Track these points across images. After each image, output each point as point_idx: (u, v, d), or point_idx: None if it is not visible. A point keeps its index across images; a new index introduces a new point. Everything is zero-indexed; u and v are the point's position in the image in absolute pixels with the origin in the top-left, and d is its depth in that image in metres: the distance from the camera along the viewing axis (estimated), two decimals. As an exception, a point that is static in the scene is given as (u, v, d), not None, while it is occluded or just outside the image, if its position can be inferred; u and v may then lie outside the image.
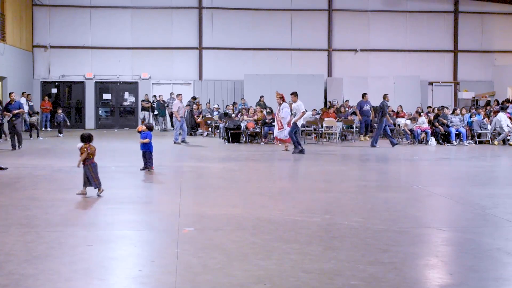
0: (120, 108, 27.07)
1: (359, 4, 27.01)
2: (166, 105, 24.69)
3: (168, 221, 6.68)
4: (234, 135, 18.67)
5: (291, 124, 15.28)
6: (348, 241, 5.74)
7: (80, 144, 8.27)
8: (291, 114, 15.90)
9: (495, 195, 8.60)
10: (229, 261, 5.01)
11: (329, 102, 24.22)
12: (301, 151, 15.03)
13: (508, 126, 18.67)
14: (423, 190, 9.14)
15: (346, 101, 23.42)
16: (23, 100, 23.22)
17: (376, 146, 17.04)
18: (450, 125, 18.77)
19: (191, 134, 20.82)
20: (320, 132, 19.27)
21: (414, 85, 26.05)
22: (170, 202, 7.84)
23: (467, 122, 19.48)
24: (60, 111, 22.26)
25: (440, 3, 27.61)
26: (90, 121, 26.35)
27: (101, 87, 26.66)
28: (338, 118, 20.23)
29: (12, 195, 8.39)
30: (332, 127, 19.46)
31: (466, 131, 18.99)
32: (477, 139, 19.15)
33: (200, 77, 26.48)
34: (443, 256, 5.35)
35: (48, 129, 24.28)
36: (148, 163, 11.04)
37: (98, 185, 8.18)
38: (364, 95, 20.48)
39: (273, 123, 17.30)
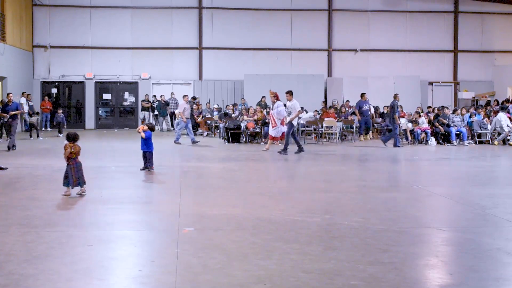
0: (120, 108, 27.07)
1: (359, 4, 27.01)
2: (167, 105, 24.72)
3: (168, 221, 6.68)
4: (234, 135, 18.67)
5: (287, 123, 15.23)
6: (348, 241, 5.74)
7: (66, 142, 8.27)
8: (286, 112, 15.88)
9: (495, 195, 8.60)
10: (229, 261, 5.01)
11: (323, 102, 24.09)
12: (301, 150, 15.02)
13: (508, 126, 18.67)
14: (423, 190, 9.14)
15: (346, 101, 23.41)
16: (23, 100, 23.24)
17: (400, 146, 17.29)
18: (452, 124, 18.77)
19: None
20: (320, 132, 19.28)
21: (414, 85, 26.04)
22: (170, 202, 7.84)
23: (467, 122, 19.48)
24: (60, 111, 22.27)
25: (440, 3, 27.62)
26: (90, 121, 26.35)
27: (101, 87, 26.66)
28: (338, 118, 20.25)
29: (12, 195, 8.40)
30: (332, 127, 19.47)
31: (466, 131, 18.99)
32: (477, 139, 19.15)
33: (200, 77, 26.49)
34: (443, 256, 5.35)
35: (48, 129, 24.28)
36: (148, 163, 11.04)
37: (75, 185, 8.14)
38: (362, 94, 20.48)
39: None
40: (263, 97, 23.00)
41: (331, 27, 26.95)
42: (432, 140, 18.52)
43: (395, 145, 17.27)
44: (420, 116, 19.47)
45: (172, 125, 25.00)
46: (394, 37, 27.22)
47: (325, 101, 25.26)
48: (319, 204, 7.84)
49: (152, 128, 11.42)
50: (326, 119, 19.53)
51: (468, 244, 5.67)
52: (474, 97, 26.61)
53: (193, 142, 17.74)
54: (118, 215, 7.09)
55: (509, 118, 19.21)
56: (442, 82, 27.69)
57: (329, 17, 26.94)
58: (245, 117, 19.41)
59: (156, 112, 25.32)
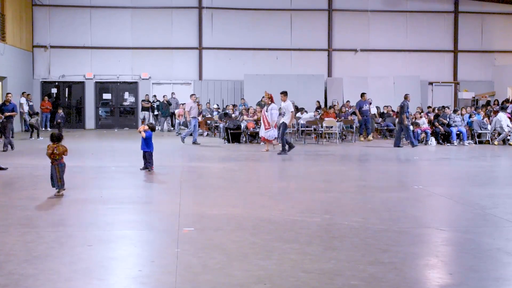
0: (120, 108, 27.07)
1: (359, 4, 27.01)
2: (170, 105, 24.73)
3: (168, 221, 6.68)
4: (234, 135, 18.67)
5: (282, 124, 15.19)
6: (348, 241, 5.74)
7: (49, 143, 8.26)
8: (280, 114, 15.87)
9: (495, 195, 8.60)
10: (229, 261, 5.01)
11: (317, 102, 24.03)
12: (290, 147, 14.97)
13: (508, 126, 18.67)
14: (423, 190, 9.14)
15: (347, 101, 23.40)
16: (23, 100, 23.25)
17: (416, 144, 17.38)
18: (452, 124, 18.77)
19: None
20: (320, 132, 19.28)
21: (414, 85, 26.03)
22: (170, 202, 7.84)
23: (467, 122, 19.49)
24: (60, 110, 22.25)
25: (440, 3, 27.61)
26: (90, 121, 26.36)
27: (101, 87, 26.66)
28: (338, 118, 20.25)
29: (12, 195, 8.40)
30: (332, 127, 19.47)
31: (466, 131, 19.00)
32: (477, 139, 19.15)
33: (200, 77, 26.49)
34: (443, 256, 5.35)
35: (48, 129, 24.27)
36: (148, 163, 11.04)
37: (60, 186, 8.12)
38: (363, 94, 20.48)
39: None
40: (263, 97, 22.96)
41: (331, 27, 26.95)
42: (432, 140, 18.53)
43: (413, 145, 17.27)
44: (421, 116, 19.47)
45: (173, 125, 25.01)
46: (394, 37, 27.22)
47: (325, 101, 25.28)
48: (319, 204, 7.84)
49: (152, 128, 11.44)
50: (326, 119, 19.53)
51: (468, 244, 5.67)
52: (474, 97, 26.62)
53: (194, 142, 17.73)
54: (118, 215, 7.09)
55: (509, 118, 19.22)
56: (442, 82, 27.69)
57: (329, 17, 26.94)
58: (245, 117, 19.41)
59: (156, 112, 25.32)
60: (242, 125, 18.90)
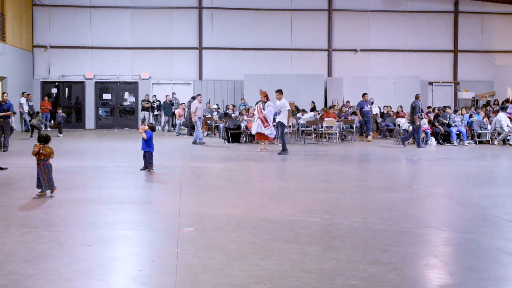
0: (120, 108, 27.07)
1: (359, 4, 27.02)
2: (172, 105, 24.74)
3: (168, 221, 6.68)
4: (234, 135, 18.67)
5: (279, 124, 15.17)
6: (348, 241, 5.74)
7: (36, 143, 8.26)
8: (275, 112, 15.84)
9: (495, 195, 8.60)
10: (229, 261, 5.01)
11: (312, 102, 23.98)
12: (285, 150, 14.96)
13: (508, 126, 18.66)
14: (423, 190, 9.14)
15: (347, 101, 23.39)
16: (23, 100, 23.25)
17: (423, 146, 17.39)
18: (453, 124, 18.77)
19: (190, 134, 20.82)
20: (320, 132, 19.27)
21: (414, 85, 26.02)
22: (170, 202, 7.84)
23: (467, 122, 19.48)
24: (60, 110, 22.26)
25: (440, 3, 27.62)
26: (90, 121, 26.36)
27: (101, 87, 26.66)
28: (338, 118, 20.24)
29: (12, 195, 8.39)
30: (332, 127, 19.47)
31: (466, 131, 18.99)
32: (477, 139, 19.15)
33: (200, 77, 26.49)
34: (443, 256, 5.35)
35: (48, 129, 24.24)
36: (148, 164, 11.04)
37: (48, 187, 8.10)
38: (364, 95, 20.50)
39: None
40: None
41: (331, 27, 26.95)
42: (432, 140, 18.52)
43: (419, 145, 17.26)
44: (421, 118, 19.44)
45: (173, 125, 25.02)
46: (394, 37, 27.22)
47: (325, 101, 25.27)
48: (319, 204, 7.84)
49: (153, 128, 11.44)
50: (326, 119, 19.53)
51: (468, 244, 5.67)
52: (474, 97, 26.61)
53: (194, 142, 17.73)
54: (118, 215, 7.09)
55: (509, 118, 19.21)
56: (442, 82, 27.69)
57: (329, 17, 26.94)
58: (245, 117, 19.41)
59: (156, 112, 25.31)
60: (242, 125, 18.90)
